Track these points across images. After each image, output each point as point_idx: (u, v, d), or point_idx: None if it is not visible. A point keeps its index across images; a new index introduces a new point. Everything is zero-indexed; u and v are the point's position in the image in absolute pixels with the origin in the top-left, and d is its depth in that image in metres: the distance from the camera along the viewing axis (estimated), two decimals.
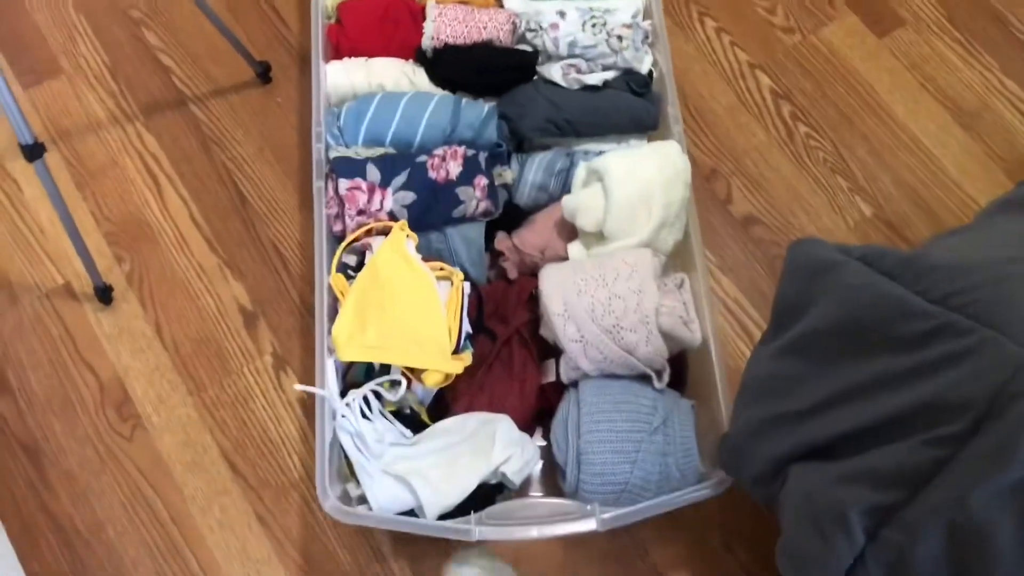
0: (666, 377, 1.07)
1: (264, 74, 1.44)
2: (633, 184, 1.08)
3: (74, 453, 1.24)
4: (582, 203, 1.12)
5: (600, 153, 1.24)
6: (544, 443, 1.17)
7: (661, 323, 1.02)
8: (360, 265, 1.18)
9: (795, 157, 1.44)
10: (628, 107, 1.23)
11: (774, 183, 1.43)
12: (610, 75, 1.23)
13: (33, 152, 1.03)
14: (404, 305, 1.09)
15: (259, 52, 1.48)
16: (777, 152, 1.45)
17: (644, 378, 1.07)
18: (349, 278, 1.18)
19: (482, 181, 1.19)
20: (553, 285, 1.08)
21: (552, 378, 1.15)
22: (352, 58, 1.29)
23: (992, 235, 0.87)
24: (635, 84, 1.23)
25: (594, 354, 1.06)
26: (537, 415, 1.18)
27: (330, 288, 1.14)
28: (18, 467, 1.24)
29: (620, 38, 1.22)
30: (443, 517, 1.04)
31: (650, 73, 1.24)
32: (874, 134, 1.47)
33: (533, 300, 1.15)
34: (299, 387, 0.95)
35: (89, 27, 1.52)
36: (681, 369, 1.16)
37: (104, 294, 1.30)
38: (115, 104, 1.45)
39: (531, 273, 1.23)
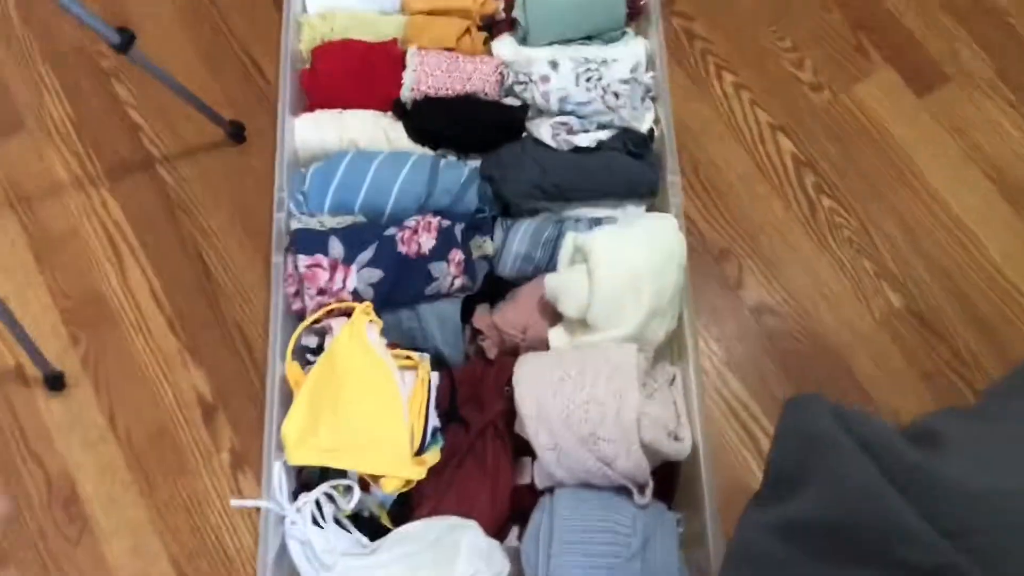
0: (649, 493, 1.04)
1: (237, 134, 1.48)
2: (620, 269, 1.06)
3: (18, 555, 1.27)
4: (565, 286, 1.13)
5: (594, 221, 1.26)
6: (518, 543, 1.21)
7: (643, 436, 0.98)
8: (320, 348, 1.24)
9: (817, 235, 1.39)
10: (624, 171, 1.20)
11: (792, 266, 1.38)
12: (605, 135, 1.21)
13: None
14: (361, 401, 1.13)
15: (236, 108, 1.50)
16: (797, 229, 1.40)
17: (624, 490, 1.03)
18: (308, 363, 1.23)
19: (457, 255, 1.24)
20: (528, 383, 1.06)
21: (528, 480, 1.15)
22: (324, 110, 1.31)
23: (1009, 433, 0.88)
24: (632, 144, 1.19)
25: (569, 463, 1.05)
26: (512, 516, 1.23)
27: (284, 379, 1.22)
28: None
29: (617, 95, 1.23)
30: None
31: (651, 132, 1.23)
32: (908, 209, 1.42)
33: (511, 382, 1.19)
34: (237, 503, 1.01)
35: (56, 79, 1.57)
36: (670, 475, 1.12)
37: (55, 382, 1.32)
38: (79, 165, 1.50)
39: (512, 353, 1.27)
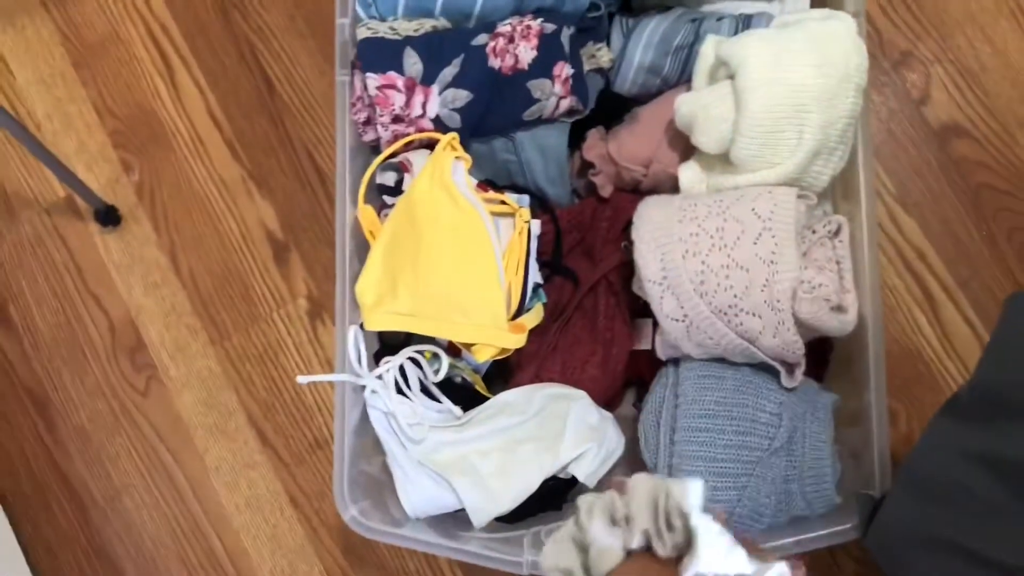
0: (799, 374, 0.91)
1: None
2: (778, 91, 0.85)
3: (85, 406, 1.24)
4: (703, 111, 0.92)
5: (742, 19, 1.03)
6: (635, 410, 1.09)
7: (798, 310, 0.82)
8: (399, 188, 1.08)
9: None
10: None
11: (997, 74, 1.13)
12: None
13: None
14: (446, 258, 0.98)
15: None
16: (1007, 24, 1.13)
17: (769, 369, 0.89)
18: (386, 207, 1.09)
19: (564, 70, 1.03)
20: (650, 237, 0.91)
21: (647, 345, 1.02)
22: None
23: None
24: None
25: (701, 338, 0.90)
26: (626, 384, 1.10)
27: (358, 224, 1.07)
28: (26, 418, 1.25)
29: None
30: (500, 520, 1.01)
31: None
32: None
33: (629, 232, 1.02)
34: (303, 379, 0.91)
35: None
36: (824, 346, 1.01)
37: (107, 217, 1.24)
38: None
39: (632, 190, 1.09)
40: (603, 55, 1.04)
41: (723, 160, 0.92)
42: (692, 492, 0.48)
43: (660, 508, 0.48)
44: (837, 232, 0.92)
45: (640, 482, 0.50)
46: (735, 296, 0.85)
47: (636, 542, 0.49)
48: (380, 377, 0.98)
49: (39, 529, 1.23)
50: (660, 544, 0.48)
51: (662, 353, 0.97)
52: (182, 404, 1.22)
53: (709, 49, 0.95)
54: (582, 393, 1.00)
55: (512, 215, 0.99)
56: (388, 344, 1.04)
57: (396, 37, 1.02)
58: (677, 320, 0.89)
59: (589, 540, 0.49)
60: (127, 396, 1.24)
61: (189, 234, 1.25)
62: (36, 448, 1.25)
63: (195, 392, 1.22)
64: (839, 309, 0.88)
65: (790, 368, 0.89)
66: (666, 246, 0.89)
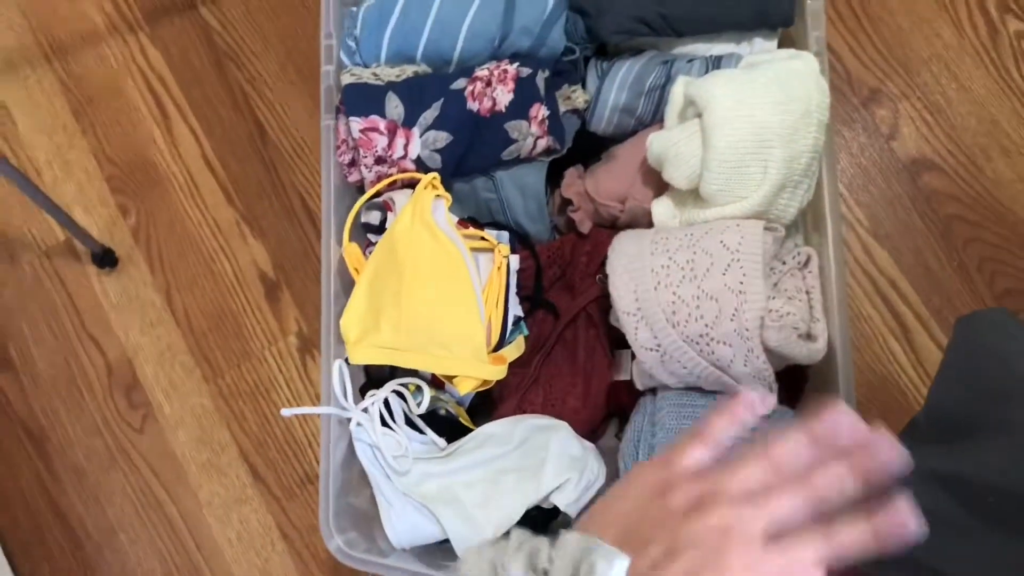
0: (772, 402, 0.94)
1: None
2: (743, 128, 0.88)
3: (81, 444, 1.26)
4: (673, 148, 0.95)
5: (711, 61, 1.07)
6: (618, 441, 1.11)
7: (767, 338, 0.85)
8: (383, 226, 1.11)
9: (998, 68, 1.17)
10: None
11: (962, 108, 1.17)
12: None
13: None
14: (427, 293, 1.00)
15: None
16: (971, 62, 1.18)
17: None
18: (370, 245, 1.12)
19: (540, 111, 1.06)
20: (624, 270, 0.93)
21: (626, 376, 1.04)
22: None
23: None
24: None
25: (675, 367, 0.93)
26: (609, 412, 1.11)
27: (343, 261, 1.10)
28: (23, 455, 1.27)
29: None
30: None
31: None
32: None
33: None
34: (288, 412, 0.94)
35: None
36: (798, 374, 1.03)
37: (104, 259, 1.27)
38: (114, 7, 1.39)
39: (610, 225, 1.12)
40: (578, 96, 1.07)
41: (694, 195, 0.95)
42: (616, 570, 0.47)
43: (581, 571, 0.47)
44: (807, 263, 0.95)
45: (570, 542, 0.49)
46: (706, 325, 0.88)
47: None
48: (365, 410, 1.00)
49: (36, 565, 1.25)
50: None
51: (639, 383, 0.99)
52: (176, 441, 1.25)
53: (679, 89, 0.98)
54: (563, 424, 1.02)
55: (492, 250, 1.02)
56: (373, 378, 1.06)
57: (379, 83, 1.06)
58: (651, 349, 0.91)
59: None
60: (123, 434, 1.26)
61: (184, 275, 1.29)
62: (33, 485, 1.27)
63: (189, 429, 1.24)
64: (809, 337, 0.90)
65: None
66: (639, 278, 0.91)
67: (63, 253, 1.32)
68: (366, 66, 1.08)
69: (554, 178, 1.10)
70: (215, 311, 1.27)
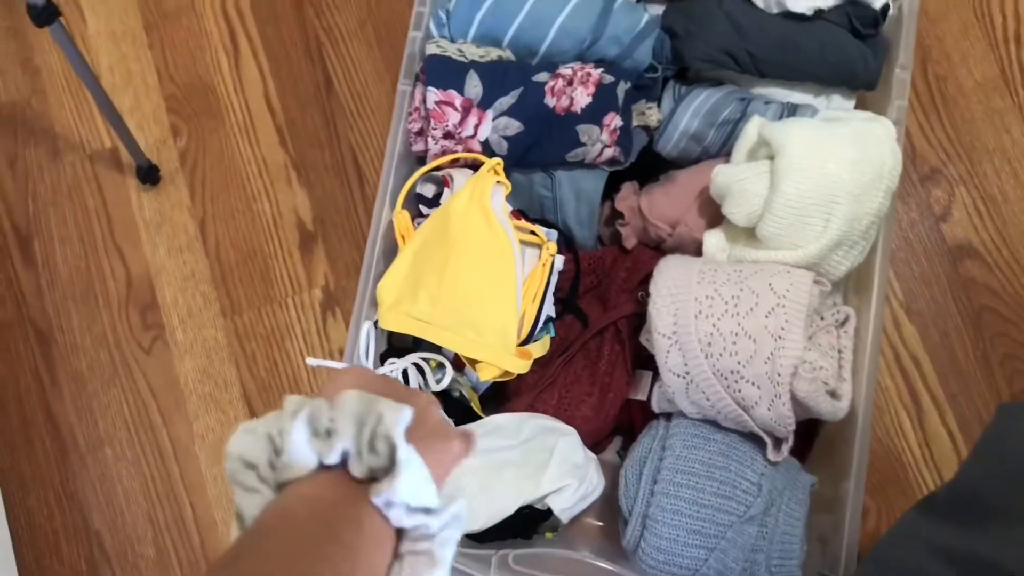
0: (786, 449, 0.94)
1: None
2: (814, 179, 0.90)
3: (87, 353, 1.26)
4: (739, 184, 0.96)
5: (788, 107, 1.09)
6: (618, 458, 1.12)
7: (796, 387, 0.86)
8: (437, 200, 1.13)
9: None
10: (840, 52, 1.01)
11: (1017, 206, 1.19)
12: (827, 2, 1.05)
13: (43, 15, 0.95)
14: (471, 273, 1.02)
15: None
16: None
17: (756, 439, 0.92)
18: (420, 216, 1.13)
19: (614, 121, 1.08)
20: (667, 292, 0.95)
21: (643, 396, 1.06)
22: None
23: None
24: (859, 21, 1.00)
25: (698, 397, 0.94)
26: (615, 430, 1.12)
27: (391, 226, 1.11)
28: (28, 353, 1.27)
29: None
30: (471, 537, 1.01)
31: (884, 8, 1.03)
32: None
33: (646, 285, 1.06)
34: (314, 362, 0.94)
35: None
36: (811, 429, 1.02)
37: (148, 175, 1.27)
38: None
39: (654, 247, 1.14)
40: (652, 115, 1.08)
41: (748, 234, 0.97)
42: (401, 417, 0.46)
43: (367, 428, 0.46)
44: (844, 322, 0.96)
45: (351, 398, 0.47)
46: (739, 363, 0.89)
47: (333, 458, 0.45)
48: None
49: (17, 462, 1.25)
50: (357, 464, 0.45)
51: (657, 406, 1.00)
52: (182, 368, 1.25)
53: (753, 128, 1.00)
54: (572, 430, 1.03)
55: (539, 246, 1.03)
56: (395, 348, 1.07)
57: (462, 59, 1.07)
58: (679, 375, 0.92)
59: (285, 444, 0.46)
60: (130, 351, 1.26)
61: (222, 207, 1.29)
62: (31, 384, 1.27)
63: (197, 359, 1.25)
64: (834, 395, 0.92)
65: (777, 442, 0.93)
66: (681, 303, 0.93)
67: (107, 160, 1.33)
68: (453, 40, 1.09)
69: (610, 189, 1.11)
70: (246, 249, 1.27)
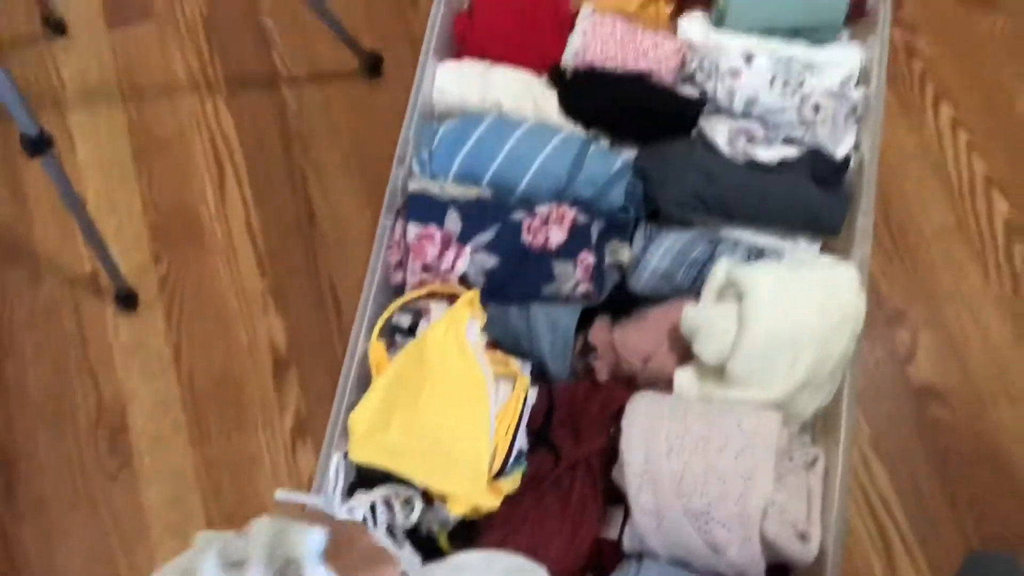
0: None
1: (374, 67, 1.40)
2: (780, 322, 0.93)
3: (51, 477, 1.24)
4: (708, 325, 0.99)
5: (755, 251, 1.13)
6: None
7: (766, 529, 0.86)
8: (413, 331, 1.14)
9: (1016, 321, 1.23)
10: (805, 200, 1.06)
11: (977, 350, 1.23)
12: (792, 152, 1.09)
13: (36, 147, 0.99)
14: (444, 406, 1.03)
15: (378, 35, 1.43)
16: (992, 309, 1.24)
17: None
18: (395, 346, 1.15)
19: (588, 258, 1.11)
20: (639, 429, 0.96)
21: (614, 535, 1.06)
22: (472, 61, 1.23)
23: None
24: (822, 170, 1.07)
25: (669, 537, 0.94)
26: (585, 570, 1.11)
27: (366, 356, 1.12)
28: None
29: (817, 108, 1.10)
30: None
31: (846, 160, 1.09)
32: None
33: (619, 420, 1.07)
34: (281, 496, 0.94)
35: None
36: (781, 572, 1.05)
37: (127, 301, 1.29)
38: (200, 68, 1.45)
39: (627, 381, 1.15)
40: (624, 253, 1.11)
41: (718, 372, 0.98)
42: (310, 540, 0.45)
43: (279, 553, 0.45)
44: (813, 463, 0.97)
45: (262, 525, 0.47)
46: (709, 504, 0.89)
47: None
48: (351, 510, 1.00)
49: None
50: None
51: (628, 545, 0.99)
52: (147, 496, 1.23)
53: (721, 270, 1.03)
54: (543, 571, 1.02)
55: (513, 379, 1.04)
56: (365, 479, 1.06)
57: (443, 196, 1.11)
58: (650, 514, 0.92)
59: None
60: (96, 477, 1.25)
61: (199, 333, 1.30)
62: None
63: (163, 488, 1.23)
64: (803, 537, 0.92)
65: None
66: (652, 441, 0.93)
67: (87, 284, 1.34)
68: (434, 178, 1.13)
69: (584, 323, 1.13)
70: (219, 376, 1.27)
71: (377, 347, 1.06)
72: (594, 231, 1.08)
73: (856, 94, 1.10)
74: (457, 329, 1.02)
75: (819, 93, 1.08)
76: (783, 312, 0.93)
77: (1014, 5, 1.38)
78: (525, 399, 1.03)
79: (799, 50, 1.15)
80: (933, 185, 1.29)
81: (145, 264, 1.34)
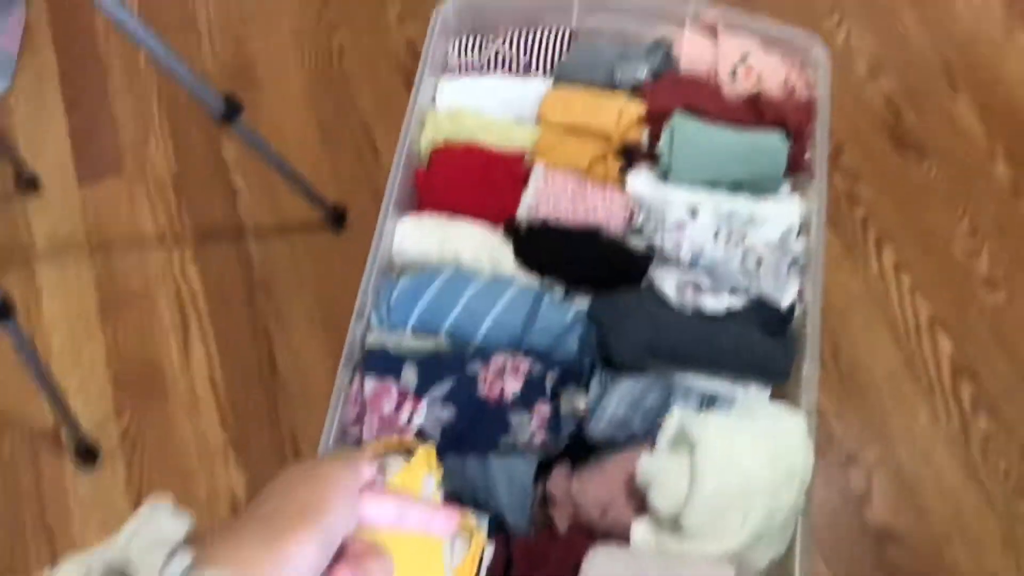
0: None
1: (337, 220, 1.44)
2: (730, 474, 0.94)
3: None
4: (661, 475, 1.00)
5: (707, 397, 1.15)
6: None
7: None
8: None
9: (966, 460, 1.25)
10: (753, 348, 1.09)
11: (931, 491, 1.24)
12: (737, 302, 1.12)
13: None
14: (397, 565, 1.02)
15: (343, 188, 1.48)
16: (943, 448, 1.26)
17: None
18: None
19: (543, 409, 1.12)
20: None
21: None
22: (430, 216, 1.27)
23: None
24: (769, 319, 1.10)
25: None
26: None
27: None
28: None
29: (760, 261, 1.15)
30: None
31: (791, 309, 1.12)
32: None
33: (577, 573, 1.06)
34: None
35: (167, 125, 1.58)
36: None
37: (87, 455, 1.27)
38: (168, 220, 1.49)
39: (587, 531, 1.15)
40: (580, 401, 1.12)
41: (674, 523, 0.99)
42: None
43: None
44: None
45: (129, 525, 0.39)
46: None
47: None
48: None
49: None
50: None
51: None
52: None
53: (675, 420, 1.04)
54: None
55: (469, 535, 1.04)
56: None
57: (400, 351, 1.13)
58: None
59: None
60: None
61: (159, 487, 1.29)
62: None
63: None
64: None
65: None
66: None
67: (46, 438, 1.33)
68: (392, 331, 1.15)
69: (542, 473, 1.13)
70: None
71: None
72: (549, 381, 1.10)
73: (797, 245, 1.14)
74: (414, 485, 1.02)
75: (761, 246, 1.12)
76: (733, 465, 0.94)
77: (945, 153, 1.46)
78: (482, 557, 1.02)
79: (741, 203, 1.20)
80: (880, 327, 1.33)
81: (107, 417, 1.34)
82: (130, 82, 1.64)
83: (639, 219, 1.20)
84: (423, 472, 1.04)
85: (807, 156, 1.25)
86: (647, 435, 1.12)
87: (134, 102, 1.63)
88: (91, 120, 1.62)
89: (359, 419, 1.11)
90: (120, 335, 1.40)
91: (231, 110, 1.13)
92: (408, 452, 1.07)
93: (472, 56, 1.37)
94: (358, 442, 1.11)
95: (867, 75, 1.52)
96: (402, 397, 1.09)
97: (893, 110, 1.49)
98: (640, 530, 1.02)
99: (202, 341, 1.38)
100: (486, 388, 1.08)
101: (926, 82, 1.50)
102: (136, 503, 1.28)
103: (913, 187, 1.44)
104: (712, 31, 1.30)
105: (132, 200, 1.53)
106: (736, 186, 1.24)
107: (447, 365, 1.11)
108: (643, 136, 1.27)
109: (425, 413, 1.08)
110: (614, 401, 1.12)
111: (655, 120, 1.26)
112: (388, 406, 1.08)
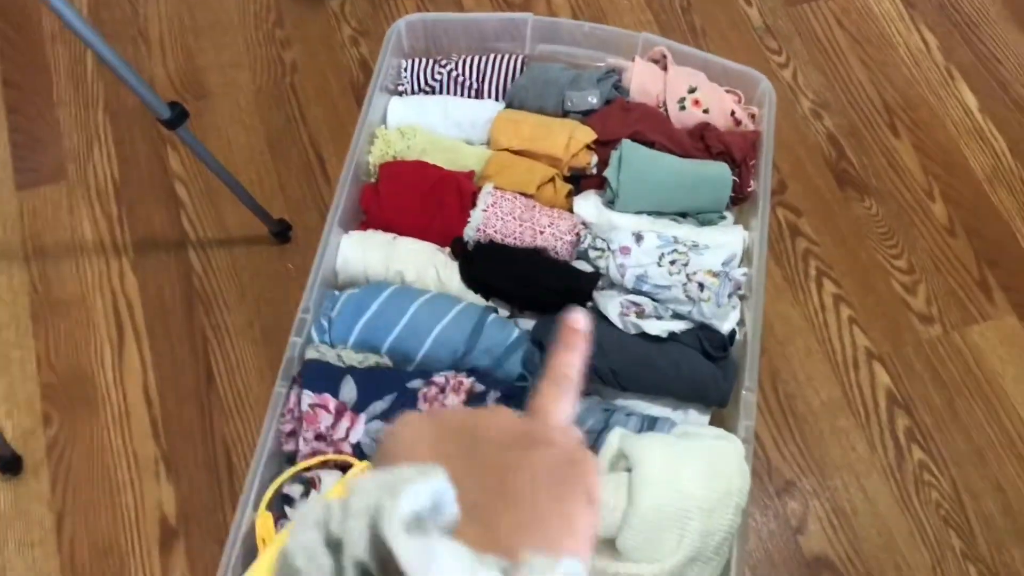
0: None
1: (281, 233, 1.41)
2: (667, 496, 0.93)
3: None
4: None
5: (647, 420, 1.15)
6: None
7: None
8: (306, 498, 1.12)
9: (900, 490, 1.26)
10: (693, 371, 1.09)
11: (866, 520, 1.25)
12: (679, 326, 1.14)
13: None
14: None
15: (288, 201, 1.46)
16: (878, 479, 1.27)
17: None
18: (283, 518, 1.12)
19: None
20: None
21: None
22: (375, 232, 1.25)
23: None
24: (709, 344, 1.12)
25: None
26: None
27: (253, 528, 1.09)
28: None
29: (702, 286, 1.15)
30: None
31: (731, 334, 1.13)
32: (1013, 484, 1.28)
33: None
34: None
35: (111, 133, 1.55)
36: None
37: (9, 465, 1.23)
38: (108, 229, 1.45)
39: None
40: None
41: (610, 544, 0.98)
42: (400, 512, 0.32)
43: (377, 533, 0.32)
44: None
45: (362, 489, 0.34)
46: None
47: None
48: None
49: None
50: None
51: None
52: None
53: (614, 440, 1.04)
54: None
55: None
56: None
57: (340, 364, 1.11)
58: None
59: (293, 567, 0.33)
60: None
61: (84, 500, 1.24)
62: None
63: None
64: None
65: None
66: None
67: None
68: (332, 346, 1.13)
69: None
70: (103, 545, 1.21)
71: (265, 519, 1.02)
72: (490, 400, 1.08)
73: (739, 273, 1.15)
74: None
75: (703, 272, 1.12)
76: (671, 485, 0.94)
77: (884, 191, 1.49)
78: None
79: (685, 231, 1.21)
80: (818, 358, 1.34)
81: (35, 426, 1.29)
82: (75, 91, 1.60)
83: (585, 243, 1.20)
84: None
85: (751, 188, 1.26)
86: None
87: (79, 111, 1.59)
88: (34, 126, 1.58)
89: (294, 433, 1.08)
90: (52, 343, 1.36)
91: (176, 115, 1.11)
92: (344, 468, 1.05)
93: (424, 77, 1.37)
94: (292, 458, 1.08)
95: (811, 113, 1.55)
96: (340, 412, 1.07)
97: (836, 147, 1.52)
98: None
99: (138, 353, 1.35)
100: (427, 405, 1.07)
101: (868, 122, 1.54)
102: (59, 517, 1.23)
103: (853, 222, 1.47)
104: (662, 63, 1.31)
105: (72, 208, 1.49)
106: (682, 213, 1.25)
107: (388, 381, 1.09)
108: (592, 161, 1.28)
109: (363, 430, 1.06)
110: None
111: (604, 146, 1.27)
112: (325, 420, 1.06)
